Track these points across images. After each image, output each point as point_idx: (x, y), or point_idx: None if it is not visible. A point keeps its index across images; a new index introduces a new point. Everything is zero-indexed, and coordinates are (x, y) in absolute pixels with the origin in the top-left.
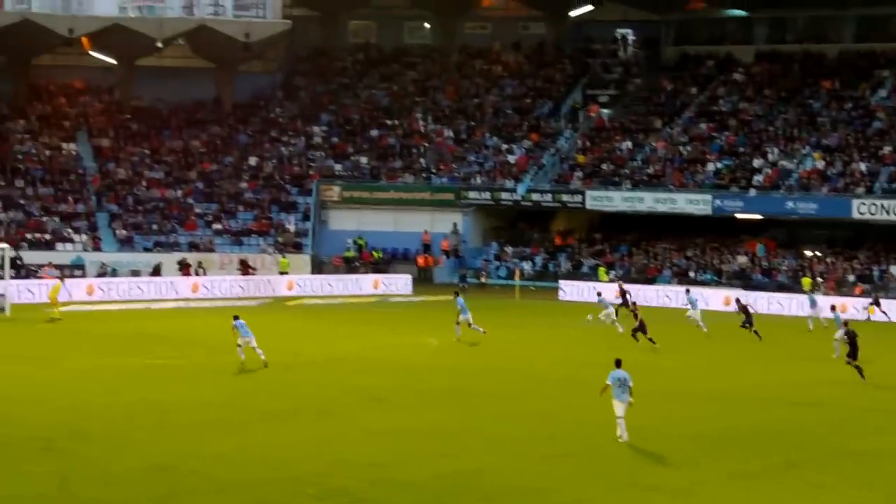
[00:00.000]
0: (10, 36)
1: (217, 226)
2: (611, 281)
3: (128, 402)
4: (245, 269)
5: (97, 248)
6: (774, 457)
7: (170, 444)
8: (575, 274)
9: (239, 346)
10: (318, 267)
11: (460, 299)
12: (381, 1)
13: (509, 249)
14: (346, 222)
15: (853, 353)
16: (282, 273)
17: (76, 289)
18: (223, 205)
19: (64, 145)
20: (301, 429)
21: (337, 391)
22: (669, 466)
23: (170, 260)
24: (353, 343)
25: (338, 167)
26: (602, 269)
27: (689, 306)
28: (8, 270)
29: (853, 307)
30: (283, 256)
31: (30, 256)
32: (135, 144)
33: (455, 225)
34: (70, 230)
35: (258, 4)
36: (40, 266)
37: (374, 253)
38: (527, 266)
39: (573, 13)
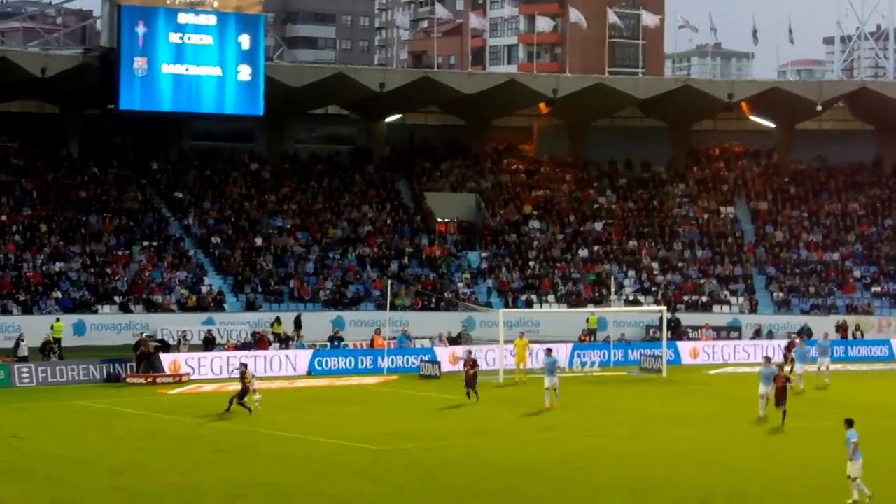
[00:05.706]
0: (672, 101)
1: (876, 288)
2: None
3: (783, 465)
4: None
5: (753, 311)
6: None
7: None
8: None
9: None
10: None
11: None
12: None
13: None
14: None
15: None
16: None
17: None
18: (882, 267)
19: (722, 209)
20: None
21: None
22: None
23: (827, 323)
24: None
25: None
26: None
27: None
28: (665, 332)
29: None
30: None
31: (687, 318)
32: (793, 207)
33: None
34: (727, 292)
35: None
36: (697, 328)
37: None
38: None
39: None
